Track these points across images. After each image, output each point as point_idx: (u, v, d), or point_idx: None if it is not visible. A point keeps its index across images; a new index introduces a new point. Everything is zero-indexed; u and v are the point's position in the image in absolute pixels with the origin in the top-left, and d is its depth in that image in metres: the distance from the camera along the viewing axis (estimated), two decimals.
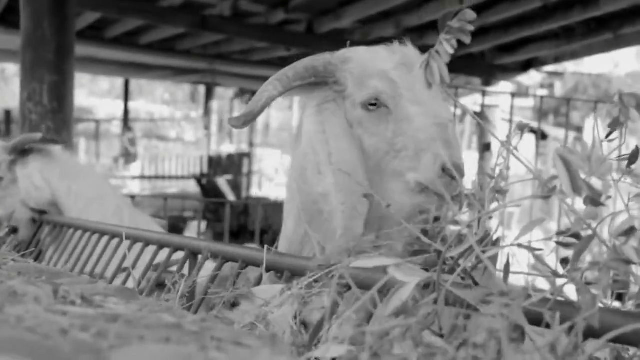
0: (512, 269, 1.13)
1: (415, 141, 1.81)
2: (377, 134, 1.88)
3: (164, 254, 2.14)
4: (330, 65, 1.95)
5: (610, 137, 1.26)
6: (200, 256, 1.94)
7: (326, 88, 1.97)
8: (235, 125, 1.89)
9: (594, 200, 1.02)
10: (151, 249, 2.22)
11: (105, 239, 2.52)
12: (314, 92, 1.99)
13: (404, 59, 1.93)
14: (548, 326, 0.95)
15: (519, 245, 1.07)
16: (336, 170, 1.82)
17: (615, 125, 1.17)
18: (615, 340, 0.94)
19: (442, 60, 1.13)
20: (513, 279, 1.14)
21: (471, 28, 1.14)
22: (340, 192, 1.80)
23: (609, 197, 1.06)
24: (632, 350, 1.16)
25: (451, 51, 1.13)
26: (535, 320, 0.95)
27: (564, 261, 1.04)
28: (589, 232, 1.03)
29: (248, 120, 1.91)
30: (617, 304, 1.28)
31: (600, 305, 0.94)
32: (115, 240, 2.43)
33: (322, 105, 1.95)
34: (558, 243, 1.06)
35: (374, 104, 1.89)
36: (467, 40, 1.15)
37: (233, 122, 1.89)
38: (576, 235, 1.04)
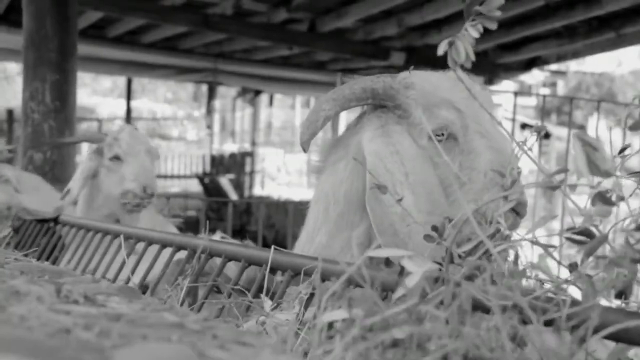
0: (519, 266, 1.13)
1: (483, 176, 1.82)
2: (444, 164, 1.87)
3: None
4: (392, 90, 1.92)
5: (613, 137, 1.26)
6: (202, 255, 1.94)
7: (385, 110, 1.95)
8: (306, 149, 1.91)
9: (605, 198, 1.02)
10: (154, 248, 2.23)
11: (108, 238, 2.52)
12: (373, 112, 1.98)
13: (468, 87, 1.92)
14: (551, 324, 0.95)
15: (531, 241, 1.07)
16: (415, 190, 1.81)
17: (636, 128, 1.16)
18: (618, 338, 0.94)
19: (468, 42, 1.12)
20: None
21: (498, 14, 1.14)
22: (420, 212, 1.76)
23: (622, 198, 1.06)
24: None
25: (477, 35, 1.13)
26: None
27: (573, 266, 1.03)
28: (599, 227, 1.03)
29: (310, 140, 1.91)
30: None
31: (604, 304, 0.94)
32: (118, 240, 2.43)
33: (386, 126, 1.92)
34: (568, 239, 1.05)
35: (441, 134, 1.88)
36: (493, 26, 1.15)
37: (305, 146, 1.91)
38: (585, 232, 1.04)
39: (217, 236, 3.09)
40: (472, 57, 1.13)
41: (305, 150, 1.91)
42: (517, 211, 1.78)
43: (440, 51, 1.14)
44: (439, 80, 1.95)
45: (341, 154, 2.04)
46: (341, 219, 2.00)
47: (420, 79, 1.95)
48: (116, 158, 3.75)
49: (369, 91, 1.92)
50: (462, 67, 1.20)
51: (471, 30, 1.13)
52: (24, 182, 3.82)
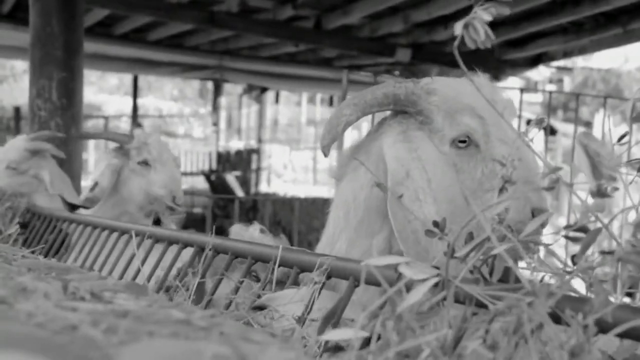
0: (519, 264, 1.13)
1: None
2: (466, 171, 1.87)
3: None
4: (413, 95, 1.90)
5: (621, 133, 1.25)
6: (209, 252, 1.95)
7: (406, 116, 1.95)
8: (327, 154, 1.91)
9: (601, 192, 1.02)
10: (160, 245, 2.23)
11: (114, 235, 2.53)
12: (394, 118, 1.98)
13: (489, 94, 1.91)
14: (557, 321, 0.95)
15: (530, 241, 1.06)
16: (437, 196, 1.80)
17: (635, 121, 1.16)
18: (625, 335, 0.94)
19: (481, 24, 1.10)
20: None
21: None
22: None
23: (616, 188, 1.05)
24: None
25: (490, 18, 1.11)
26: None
27: (575, 257, 1.03)
28: (597, 224, 1.03)
29: (331, 144, 1.91)
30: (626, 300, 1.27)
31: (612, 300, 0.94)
32: (125, 237, 2.43)
33: (408, 132, 1.91)
34: (566, 237, 1.05)
35: (463, 141, 1.88)
36: (506, 11, 1.13)
37: (325, 151, 1.91)
38: (584, 229, 1.04)
39: (256, 228, 3.12)
40: (492, 37, 1.11)
41: (325, 154, 1.91)
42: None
43: (457, 31, 1.12)
44: (461, 87, 1.93)
45: (362, 160, 2.03)
46: (361, 226, 1.99)
47: (443, 84, 1.93)
48: (145, 163, 3.78)
49: (390, 97, 1.91)
50: (467, 64, 1.19)
51: (483, 14, 1.11)
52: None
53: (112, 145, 3.94)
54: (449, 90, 1.91)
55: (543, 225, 1.79)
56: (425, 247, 1.75)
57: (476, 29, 1.10)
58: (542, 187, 1.72)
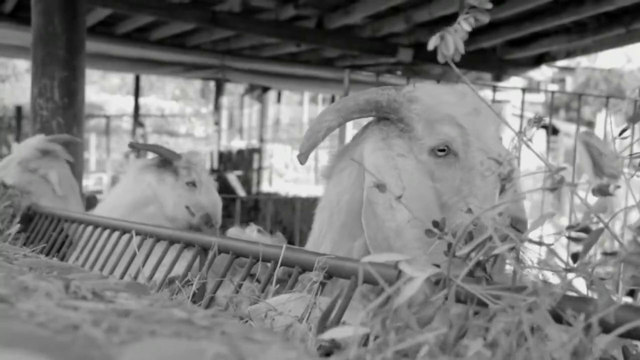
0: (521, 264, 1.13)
1: (483, 192, 1.81)
2: (444, 179, 1.87)
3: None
4: (395, 103, 1.91)
5: (623, 133, 1.25)
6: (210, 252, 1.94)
7: (388, 123, 1.95)
8: (302, 162, 1.92)
9: (603, 190, 1.02)
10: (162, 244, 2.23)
11: (116, 234, 2.53)
12: (377, 124, 1.98)
13: (472, 103, 1.91)
14: (560, 321, 0.95)
15: (530, 240, 1.06)
16: (410, 205, 1.80)
17: (634, 120, 1.16)
18: (626, 335, 0.94)
19: (458, 36, 1.11)
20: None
21: (489, 6, 1.13)
22: (415, 228, 1.75)
23: (618, 186, 1.05)
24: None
25: (469, 29, 1.12)
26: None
27: (575, 256, 1.03)
28: (599, 225, 1.02)
29: (310, 152, 1.91)
30: (628, 300, 1.27)
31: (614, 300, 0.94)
32: (126, 236, 2.43)
33: (388, 140, 1.92)
34: (569, 237, 1.05)
35: (442, 150, 1.88)
36: (485, 19, 1.14)
37: (301, 159, 1.92)
38: (586, 229, 1.04)
39: (254, 229, 3.15)
40: (462, 51, 1.12)
41: (301, 162, 1.91)
42: (517, 229, 1.75)
43: (430, 46, 1.14)
44: (444, 95, 1.94)
45: (346, 163, 2.04)
46: (344, 229, 2.00)
47: (425, 93, 1.94)
48: (192, 184, 3.88)
49: (372, 103, 1.91)
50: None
51: (464, 24, 1.12)
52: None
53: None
54: (430, 99, 1.92)
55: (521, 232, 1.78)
56: None
57: (447, 44, 1.11)
58: (521, 195, 1.73)
